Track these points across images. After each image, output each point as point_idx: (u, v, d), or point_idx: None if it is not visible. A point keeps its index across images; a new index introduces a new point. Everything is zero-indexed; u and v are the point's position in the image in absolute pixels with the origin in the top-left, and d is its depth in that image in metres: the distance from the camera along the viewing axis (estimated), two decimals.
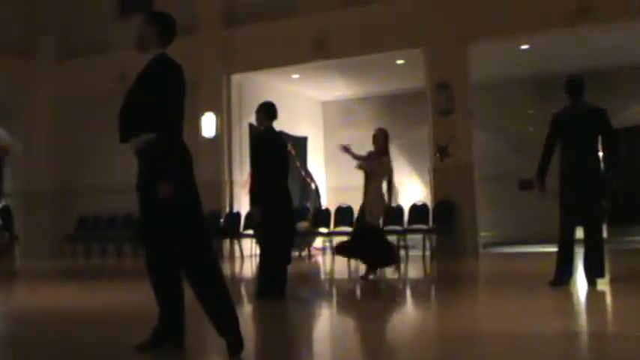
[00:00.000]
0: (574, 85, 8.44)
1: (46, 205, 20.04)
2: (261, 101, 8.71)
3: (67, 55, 20.25)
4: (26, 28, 19.81)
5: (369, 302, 8.76)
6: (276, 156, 8.36)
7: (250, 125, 17.03)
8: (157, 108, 4.74)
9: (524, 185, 8.41)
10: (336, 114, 21.17)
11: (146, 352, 4.89)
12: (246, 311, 7.54)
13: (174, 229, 4.76)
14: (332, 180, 20.64)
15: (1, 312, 8.57)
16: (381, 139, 10.27)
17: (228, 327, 4.71)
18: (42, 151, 20.19)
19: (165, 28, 5.05)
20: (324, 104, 21.44)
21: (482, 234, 15.80)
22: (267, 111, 8.49)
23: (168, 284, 4.98)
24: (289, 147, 9.49)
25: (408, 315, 7.58)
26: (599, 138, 8.35)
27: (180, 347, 4.96)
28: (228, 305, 4.76)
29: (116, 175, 17.29)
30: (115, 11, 19.83)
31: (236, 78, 17.97)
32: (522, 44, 15.97)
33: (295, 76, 18.40)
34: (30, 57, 20.11)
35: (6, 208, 18.91)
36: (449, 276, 11.68)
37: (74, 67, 19.97)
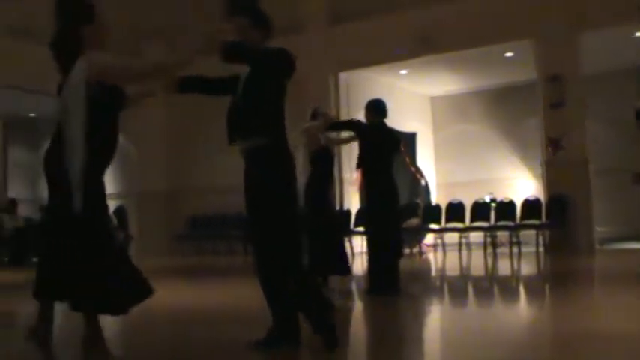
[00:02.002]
0: None
1: (159, 206, 20.54)
2: (369, 98, 8.64)
3: None
4: (133, 29, 20.19)
5: (482, 300, 8.64)
6: (388, 152, 8.30)
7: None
8: (263, 109, 4.81)
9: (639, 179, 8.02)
10: (445, 109, 20.96)
11: (261, 350, 4.91)
12: (357, 308, 7.53)
13: (267, 229, 4.87)
14: (442, 176, 20.44)
15: None
16: None
17: (321, 324, 4.81)
18: (154, 153, 20.69)
19: (268, 29, 5.20)
20: (433, 99, 21.26)
21: (598, 229, 15.40)
22: (376, 108, 8.39)
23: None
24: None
25: (520, 313, 7.43)
26: None
27: (297, 345, 4.96)
28: (315, 303, 4.87)
29: (227, 175, 17.47)
30: (222, 12, 20.05)
31: (343, 75, 18.01)
32: (636, 32, 15.45)
33: (403, 71, 18.32)
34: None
35: (121, 209, 19.51)
36: (563, 273, 11.40)
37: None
